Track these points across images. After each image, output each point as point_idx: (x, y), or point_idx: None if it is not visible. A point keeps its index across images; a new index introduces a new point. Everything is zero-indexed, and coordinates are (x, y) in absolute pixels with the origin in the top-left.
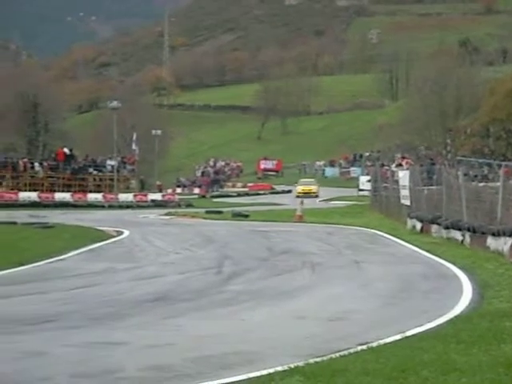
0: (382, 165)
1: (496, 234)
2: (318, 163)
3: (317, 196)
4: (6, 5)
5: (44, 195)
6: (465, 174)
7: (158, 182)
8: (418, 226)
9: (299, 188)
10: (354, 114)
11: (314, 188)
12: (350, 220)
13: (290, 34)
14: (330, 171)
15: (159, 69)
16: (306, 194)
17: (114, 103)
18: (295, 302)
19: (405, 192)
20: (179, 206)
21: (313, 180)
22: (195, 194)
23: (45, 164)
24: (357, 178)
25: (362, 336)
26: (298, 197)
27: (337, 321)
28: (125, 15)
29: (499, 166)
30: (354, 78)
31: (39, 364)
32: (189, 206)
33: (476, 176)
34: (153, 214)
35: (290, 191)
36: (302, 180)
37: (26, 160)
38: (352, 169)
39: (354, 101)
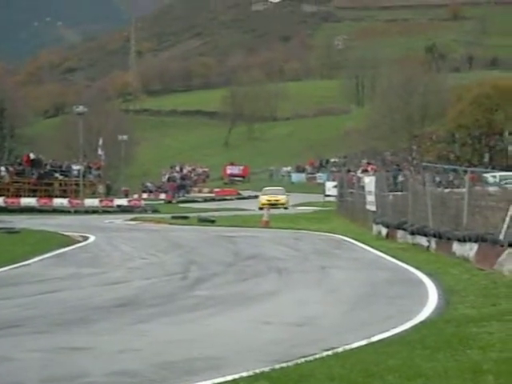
0: (348, 170)
1: (461, 240)
2: (284, 169)
3: (286, 208)
4: None
5: (10, 200)
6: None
7: (123, 188)
8: (384, 231)
9: (263, 198)
10: (321, 119)
11: (282, 198)
12: (316, 225)
13: (257, 40)
14: (296, 177)
15: (126, 74)
16: (273, 206)
17: (80, 108)
18: (261, 307)
19: (370, 198)
20: (145, 211)
21: (281, 188)
22: (161, 200)
23: (10, 169)
24: (323, 184)
25: (328, 341)
26: (261, 209)
27: (302, 326)
28: (91, 20)
29: (465, 172)
30: (320, 84)
31: (7, 369)
32: (155, 211)
33: (441, 182)
34: (119, 220)
35: (256, 197)
36: (268, 188)
37: None
38: (318, 174)
39: (320, 106)
